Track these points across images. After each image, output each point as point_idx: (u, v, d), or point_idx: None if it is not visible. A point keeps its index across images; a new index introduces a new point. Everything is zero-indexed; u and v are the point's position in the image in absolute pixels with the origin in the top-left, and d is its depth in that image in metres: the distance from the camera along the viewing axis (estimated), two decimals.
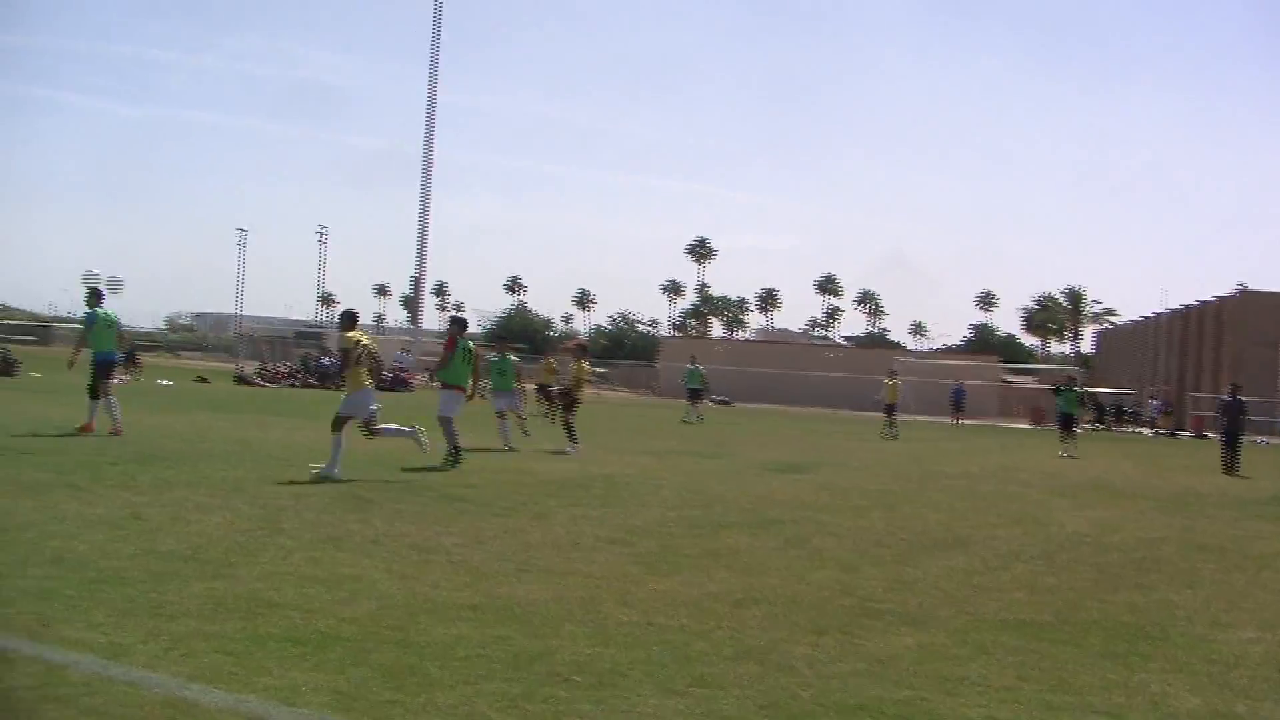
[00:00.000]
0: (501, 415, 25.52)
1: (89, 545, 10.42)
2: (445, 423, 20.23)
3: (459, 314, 23.14)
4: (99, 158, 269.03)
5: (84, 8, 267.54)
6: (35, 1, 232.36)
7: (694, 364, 49.40)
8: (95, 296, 22.32)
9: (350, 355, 17.58)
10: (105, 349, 21.64)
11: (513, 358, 27.41)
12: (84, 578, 9.09)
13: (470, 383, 21.21)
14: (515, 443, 24.80)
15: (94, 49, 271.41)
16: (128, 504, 13.00)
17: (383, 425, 18.25)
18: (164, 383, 46.29)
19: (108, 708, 6.10)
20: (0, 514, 11.82)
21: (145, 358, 58.97)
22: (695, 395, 47.02)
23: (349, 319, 18.36)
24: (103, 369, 21.60)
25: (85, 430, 20.70)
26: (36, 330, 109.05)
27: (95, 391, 21.36)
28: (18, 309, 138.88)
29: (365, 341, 17.84)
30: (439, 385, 21.75)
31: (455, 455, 19.77)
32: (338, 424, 17.20)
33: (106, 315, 21.90)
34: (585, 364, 27.17)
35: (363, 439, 18.55)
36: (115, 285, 21.62)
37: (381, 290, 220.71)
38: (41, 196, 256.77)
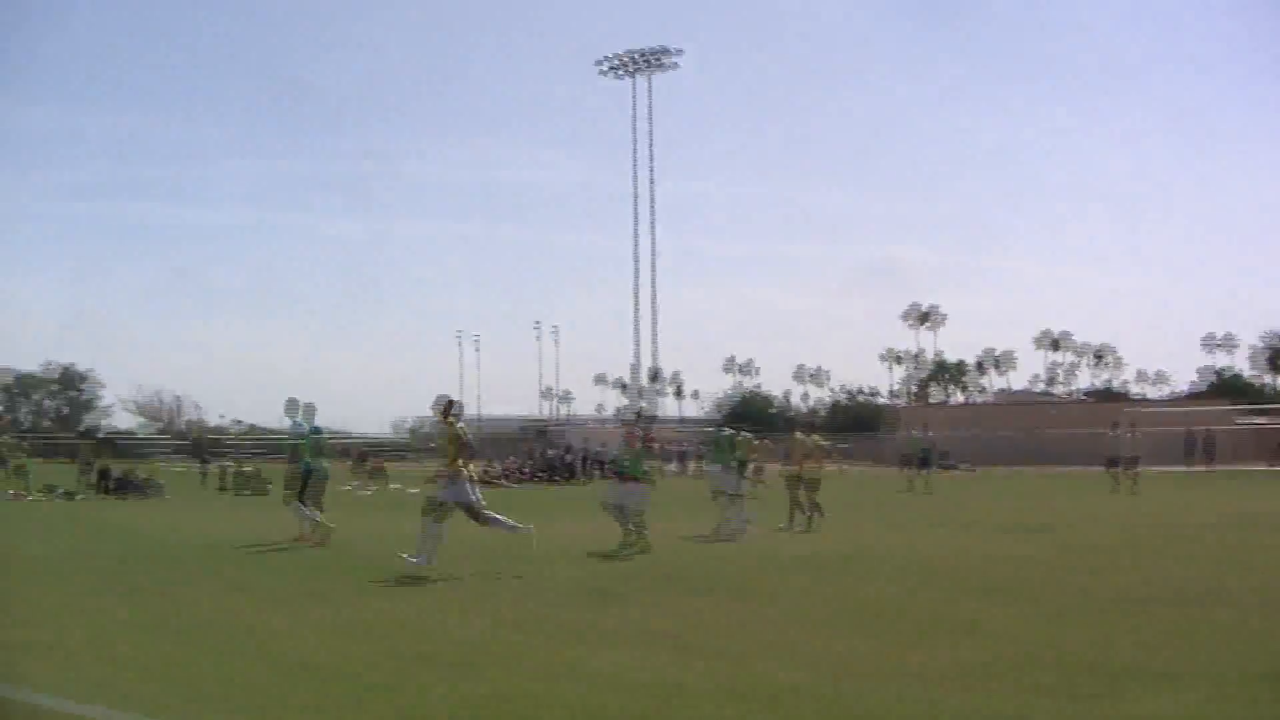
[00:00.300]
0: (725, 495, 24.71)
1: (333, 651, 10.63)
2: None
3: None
4: (307, 273, 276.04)
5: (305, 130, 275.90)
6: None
7: (918, 430, 48.44)
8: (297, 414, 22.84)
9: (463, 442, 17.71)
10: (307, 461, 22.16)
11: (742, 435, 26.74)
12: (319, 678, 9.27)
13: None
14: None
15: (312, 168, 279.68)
16: (380, 611, 13.23)
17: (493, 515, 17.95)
18: (410, 490, 47.13)
19: None
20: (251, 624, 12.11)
21: (388, 464, 59.07)
22: (923, 462, 45.67)
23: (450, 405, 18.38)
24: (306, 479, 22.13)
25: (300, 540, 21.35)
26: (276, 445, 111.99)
27: (303, 499, 21.90)
28: (265, 427, 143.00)
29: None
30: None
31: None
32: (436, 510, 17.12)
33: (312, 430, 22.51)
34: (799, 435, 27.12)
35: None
36: (310, 412, 22.34)
37: (602, 380, 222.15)
38: (257, 315, 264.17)
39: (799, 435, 27.66)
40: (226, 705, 8.66)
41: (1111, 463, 40.73)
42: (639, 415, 25.70)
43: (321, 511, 21.57)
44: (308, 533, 21.48)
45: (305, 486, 21.97)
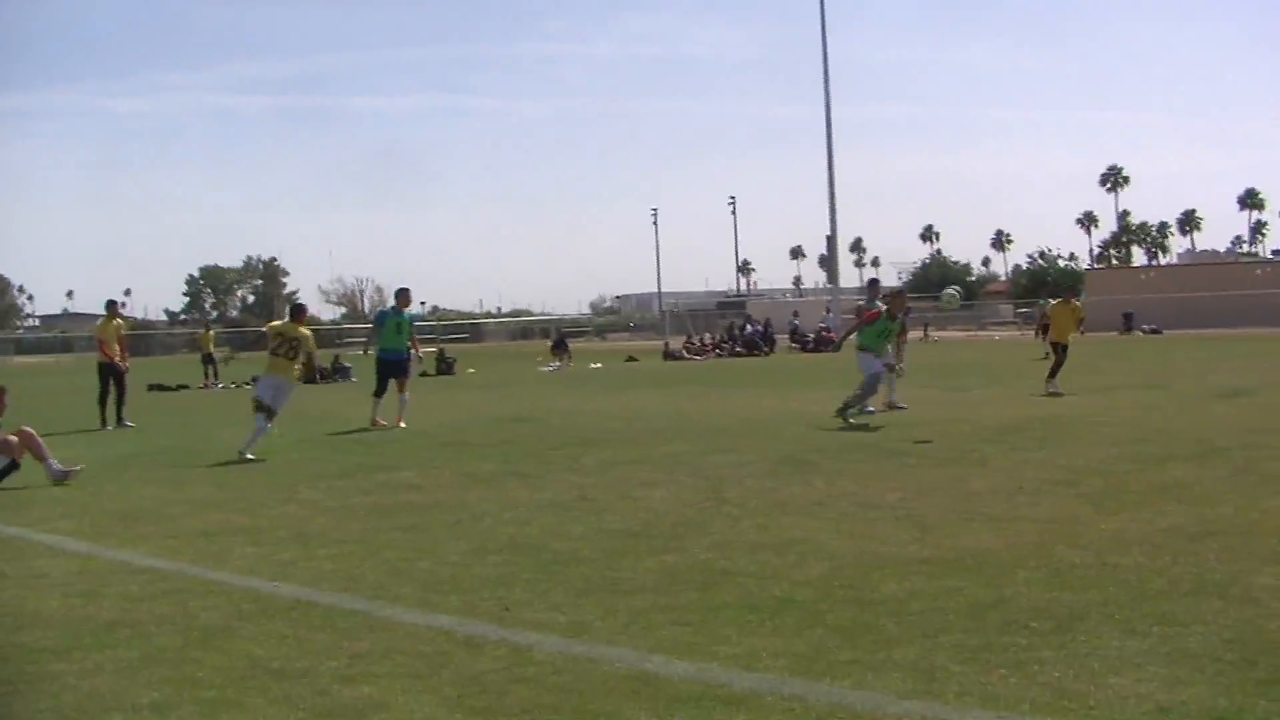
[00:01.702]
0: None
1: (541, 529, 10.71)
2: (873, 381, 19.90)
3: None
4: (504, 158, 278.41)
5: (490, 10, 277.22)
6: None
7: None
8: (398, 297, 23.14)
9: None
10: (390, 347, 22.20)
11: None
12: (539, 560, 9.32)
13: None
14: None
15: (499, 51, 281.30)
16: (574, 486, 13.31)
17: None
18: (595, 366, 47.52)
19: (575, 684, 6.18)
20: (455, 505, 12.28)
21: (575, 344, 60.60)
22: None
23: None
24: (387, 367, 22.16)
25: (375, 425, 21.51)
26: (468, 329, 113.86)
27: (381, 388, 22.04)
28: (449, 309, 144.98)
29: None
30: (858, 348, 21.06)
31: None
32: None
33: (398, 318, 22.53)
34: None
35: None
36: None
37: (796, 253, 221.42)
38: (451, 201, 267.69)
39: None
40: (433, 582, 8.70)
41: None
42: (873, 283, 25.08)
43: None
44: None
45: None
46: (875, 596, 7.78)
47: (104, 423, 23.69)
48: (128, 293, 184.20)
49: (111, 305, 25.92)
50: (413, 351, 22.65)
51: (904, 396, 22.24)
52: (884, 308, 20.80)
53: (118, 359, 24.36)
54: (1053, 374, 24.14)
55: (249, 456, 16.77)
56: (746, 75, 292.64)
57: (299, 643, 7.15)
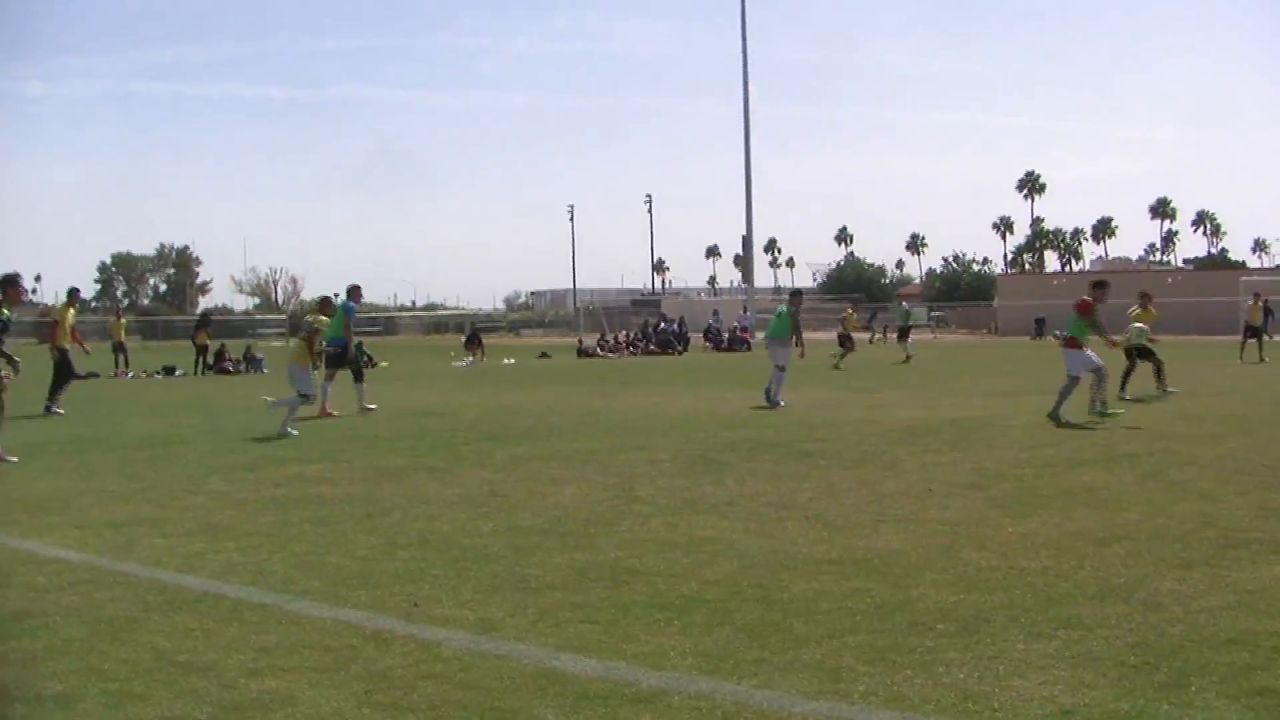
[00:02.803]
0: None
1: (451, 524, 10.69)
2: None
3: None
4: (425, 147, 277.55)
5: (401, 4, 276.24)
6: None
7: (905, 302, 48.85)
8: (350, 294, 24.04)
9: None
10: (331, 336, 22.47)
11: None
12: (449, 556, 9.30)
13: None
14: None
15: (411, 43, 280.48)
16: (485, 482, 13.30)
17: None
18: (508, 361, 47.37)
19: (482, 681, 6.18)
20: (364, 499, 12.23)
21: (488, 339, 60.48)
22: (901, 334, 46.44)
23: None
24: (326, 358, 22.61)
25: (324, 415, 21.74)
26: (382, 322, 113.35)
27: (358, 375, 23.27)
28: (364, 302, 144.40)
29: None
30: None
31: None
32: None
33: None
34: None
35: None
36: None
37: (712, 252, 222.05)
38: (352, 190, 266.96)
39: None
40: (341, 577, 8.67)
41: (1250, 331, 39.14)
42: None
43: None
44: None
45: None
46: (784, 596, 7.83)
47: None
48: (38, 278, 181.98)
49: (73, 293, 26.24)
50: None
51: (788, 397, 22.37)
52: (1089, 298, 19.97)
53: (67, 345, 24.33)
54: (1159, 374, 24.32)
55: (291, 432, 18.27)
56: (665, 71, 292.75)
57: (206, 635, 7.09)
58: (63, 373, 23.94)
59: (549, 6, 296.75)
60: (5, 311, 16.76)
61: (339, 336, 22.46)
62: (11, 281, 16.91)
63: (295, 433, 18.40)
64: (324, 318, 21.39)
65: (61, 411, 23.23)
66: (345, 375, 22.94)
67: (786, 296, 27.95)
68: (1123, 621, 7.07)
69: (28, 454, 16.25)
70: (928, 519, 10.60)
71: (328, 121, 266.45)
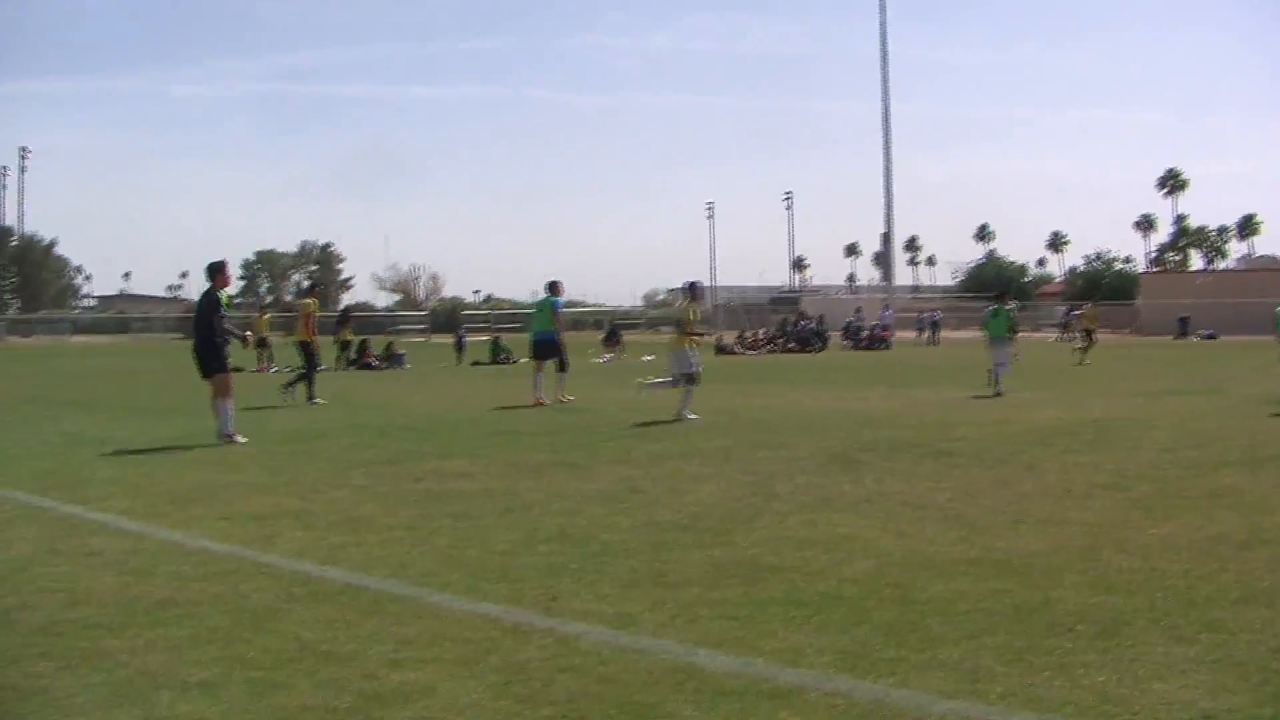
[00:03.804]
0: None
1: (590, 520, 10.75)
2: None
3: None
4: (561, 149, 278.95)
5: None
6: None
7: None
8: (551, 289, 25.09)
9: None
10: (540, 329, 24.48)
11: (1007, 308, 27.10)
12: (587, 551, 9.36)
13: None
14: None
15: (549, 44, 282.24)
16: (624, 478, 13.36)
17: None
18: (648, 358, 47.38)
19: (620, 675, 6.22)
20: (504, 494, 12.33)
21: (628, 335, 60.62)
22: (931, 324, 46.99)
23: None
24: (537, 348, 24.52)
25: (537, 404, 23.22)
26: (521, 319, 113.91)
27: (562, 365, 24.48)
28: (503, 299, 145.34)
29: None
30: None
31: None
32: None
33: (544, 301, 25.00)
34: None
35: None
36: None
37: (851, 250, 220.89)
38: (508, 195, 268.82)
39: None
40: (481, 571, 8.75)
41: None
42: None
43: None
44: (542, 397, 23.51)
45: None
46: (921, 596, 7.79)
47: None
48: (184, 275, 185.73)
49: (314, 286, 28.21)
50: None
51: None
52: None
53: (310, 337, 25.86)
54: None
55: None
56: (803, 70, 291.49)
57: (347, 626, 7.21)
58: (313, 362, 25.45)
59: (686, 4, 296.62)
60: (222, 295, 17.98)
61: (549, 329, 24.17)
62: (219, 268, 18.16)
63: (695, 417, 19.85)
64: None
65: (322, 401, 24.70)
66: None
67: (996, 294, 29.52)
68: (1266, 626, 6.95)
69: (172, 446, 16.58)
70: (1067, 520, 10.48)
71: (461, 120, 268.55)
